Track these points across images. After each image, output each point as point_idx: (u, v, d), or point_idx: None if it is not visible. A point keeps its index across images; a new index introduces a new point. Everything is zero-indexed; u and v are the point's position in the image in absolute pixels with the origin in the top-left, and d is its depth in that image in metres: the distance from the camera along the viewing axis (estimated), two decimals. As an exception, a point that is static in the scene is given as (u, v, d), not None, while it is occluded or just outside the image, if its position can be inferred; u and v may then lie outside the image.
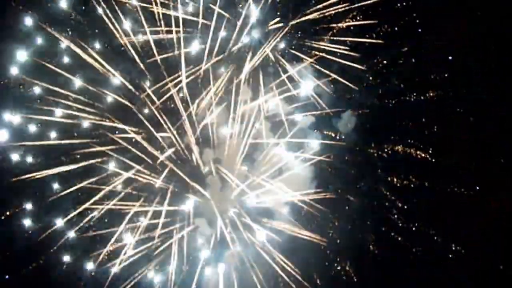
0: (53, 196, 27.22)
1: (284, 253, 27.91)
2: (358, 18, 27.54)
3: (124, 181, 27.54)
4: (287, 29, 27.06)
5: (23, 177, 26.84)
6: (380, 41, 27.62)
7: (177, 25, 26.81)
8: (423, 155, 29.73)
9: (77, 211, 27.18)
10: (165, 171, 27.39)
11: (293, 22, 27.21)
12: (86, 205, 27.11)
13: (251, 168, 28.17)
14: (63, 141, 27.36)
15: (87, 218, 27.28)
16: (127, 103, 27.13)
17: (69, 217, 27.19)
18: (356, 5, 27.41)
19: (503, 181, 29.72)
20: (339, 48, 27.29)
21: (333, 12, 27.38)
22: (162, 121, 27.12)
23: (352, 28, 27.77)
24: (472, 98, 29.59)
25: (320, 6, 27.34)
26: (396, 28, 28.19)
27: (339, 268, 29.05)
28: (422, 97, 29.30)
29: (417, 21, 28.70)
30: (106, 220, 27.52)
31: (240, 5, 27.27)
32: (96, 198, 27.20)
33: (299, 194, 27.96)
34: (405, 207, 29.98)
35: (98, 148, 27.16)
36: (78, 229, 27.37)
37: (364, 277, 29.27)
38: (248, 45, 26.99)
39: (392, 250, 29.48)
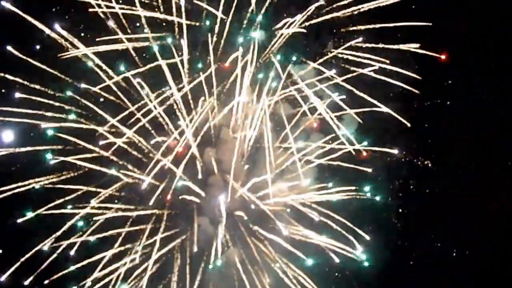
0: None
1: (283, 253, 27.82)
2: (362, 21, 27.45)
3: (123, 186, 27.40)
4: (292, 31, 26.93)
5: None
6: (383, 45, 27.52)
7: (180, 29, 26.61)
8: (423, 155, 29.76)
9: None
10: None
11: (296, 28, 27.11)
12: (85, 210, 26.85)
13: (253, 169, 27.98)
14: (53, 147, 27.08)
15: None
16: (130, 106, 26.85)
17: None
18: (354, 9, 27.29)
19: (503, 181, 29.84)
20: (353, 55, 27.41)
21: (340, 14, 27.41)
22: (164, 124, 26.99)
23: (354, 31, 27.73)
24: (472, 98, 29.57)
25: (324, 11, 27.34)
26: (397, 31, 28.00)
27: (338, 272, 29.05)
28: (422, 98, 29.27)
29: (417, 22, 28.45)
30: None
31: (245, 11, 27.12)
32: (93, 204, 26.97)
33: (300, 196, 27.81)
34: (405, 207, 30.05)
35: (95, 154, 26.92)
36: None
37: (363, 278, 29.27)
38: (253, 47, 26.73)
39: (391, 251, 29.46)
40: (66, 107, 26.95)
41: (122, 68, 26.59)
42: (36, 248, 26.63)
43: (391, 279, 29.43)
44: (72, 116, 26.99)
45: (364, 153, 27.96)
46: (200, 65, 27.19)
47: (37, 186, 26.65)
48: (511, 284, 29.58)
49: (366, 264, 28.14)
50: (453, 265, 29.88)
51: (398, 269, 29.72)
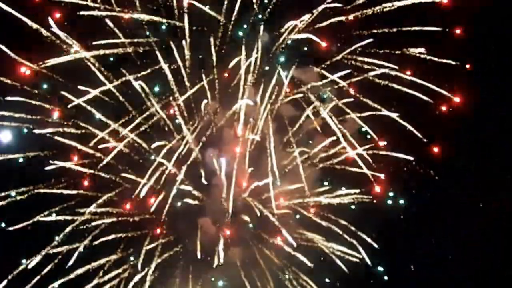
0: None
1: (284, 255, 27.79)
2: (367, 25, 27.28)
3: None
4: (294, 35, 26.71)
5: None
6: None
7: (183, 33, 26.30)
8: (423, 155, 29.68)
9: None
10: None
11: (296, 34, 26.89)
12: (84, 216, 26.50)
13: (256, 170, 27.75)
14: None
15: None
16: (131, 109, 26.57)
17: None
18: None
19: (503, 181, 29.91)
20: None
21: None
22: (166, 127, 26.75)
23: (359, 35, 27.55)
24: (472, 98, 29.52)
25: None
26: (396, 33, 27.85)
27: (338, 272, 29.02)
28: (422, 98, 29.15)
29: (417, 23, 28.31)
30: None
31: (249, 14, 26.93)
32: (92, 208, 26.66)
33: (302, 198, 27.70)
34: (405, 207, 30.04)
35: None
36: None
37: (364, 279, 29.25)
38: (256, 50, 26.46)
39: (392, 251, 29.45)
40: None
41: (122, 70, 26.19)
42: (29, 261, 26.44)
43: (391, 279, 29.42)
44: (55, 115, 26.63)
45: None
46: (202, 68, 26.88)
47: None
48: (511, 284, 29.71)
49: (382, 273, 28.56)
50: (453, 265, 29.89)
51: (398, 269, 29.71)
